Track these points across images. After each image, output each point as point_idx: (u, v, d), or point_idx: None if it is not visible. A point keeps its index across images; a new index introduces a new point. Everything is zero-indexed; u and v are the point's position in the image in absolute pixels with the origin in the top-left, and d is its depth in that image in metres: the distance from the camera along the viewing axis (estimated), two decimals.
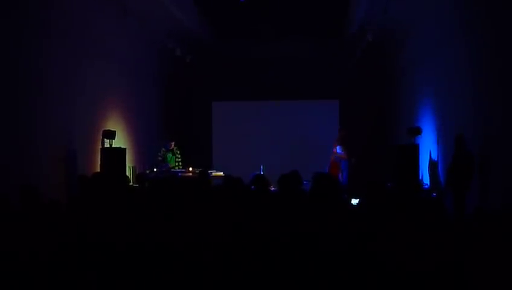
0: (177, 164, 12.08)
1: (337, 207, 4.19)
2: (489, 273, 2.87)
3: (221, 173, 11.55)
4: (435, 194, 8.76)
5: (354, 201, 6.38)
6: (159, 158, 12.00)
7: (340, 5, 12.56)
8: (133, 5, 10.79)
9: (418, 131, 10.31)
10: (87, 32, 9.77)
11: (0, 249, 3.77)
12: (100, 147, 9.96)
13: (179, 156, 12.24)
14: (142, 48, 12.85)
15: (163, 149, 12.11)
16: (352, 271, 3.05)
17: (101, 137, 9.95)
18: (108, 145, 9.87)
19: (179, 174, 11.42)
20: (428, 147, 10.23)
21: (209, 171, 11.85)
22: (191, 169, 11.66)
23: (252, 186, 5.58)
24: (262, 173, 10.93)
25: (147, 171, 11.16)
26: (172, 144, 12.17)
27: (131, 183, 9.31)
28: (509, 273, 2.85)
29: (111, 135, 9.89)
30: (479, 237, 3.10)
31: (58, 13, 8.73)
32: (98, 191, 5.44)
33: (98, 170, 9.64)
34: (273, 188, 7.33)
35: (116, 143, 10.08)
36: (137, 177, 9.40)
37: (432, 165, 10.03)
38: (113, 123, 10.93)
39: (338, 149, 12.74)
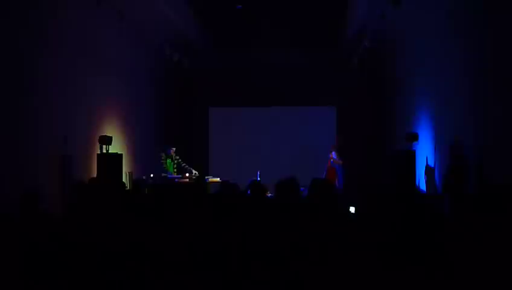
0: (175, 170, 12.05)
1: (334, 214, 4.18)
2: (484, 275, 2.87)
3: (218, 179, 11.55)
4: (431, 200, 8.74)
5: (352, 209, 6.35)
6: (163, 164, 11.95)
7: (338, 11, 12.60)
8: (130, 11, 10.80)
9: (414, 137, 10.31)
10: (84, 38, 9.77)
11: None
12: (96, 152, 9.93)
13: (177, 162, 12.22)
14: (139, 54, 12.85)
15: (163, 154, 12.07)
16: (347, 278, 3.04)
17: (98, 143, 9.93)
18: (105, 151, 9.84)
19: (176, 180, 11.40)
20: (425, 153, 10.23)
21: (206, 177, 11.88)
22: (187, 175, 11.64)
23: (248, 192, 5.56)
24: (258, 179, 10.92)
25: (143, 177, 11.13)
26: (173, 150, 12.13)
27: (127, 189, 9.28)
28: (504, 275, 2.85)
29: (107, 140, 9.86)
30: (473, 240, 3.10)
31: (55, 20, 8.73)
32: (94, 197, 5.42)
33: (95, 175, 9.61)
34: (269, 195, 7.30)
35: (113, 149, 10.06)
36: (134, 183, 9.36)
37: (429, 171, 10.02)
38: (110, 129, 10.91)
39: (334, 155, 12.81)
